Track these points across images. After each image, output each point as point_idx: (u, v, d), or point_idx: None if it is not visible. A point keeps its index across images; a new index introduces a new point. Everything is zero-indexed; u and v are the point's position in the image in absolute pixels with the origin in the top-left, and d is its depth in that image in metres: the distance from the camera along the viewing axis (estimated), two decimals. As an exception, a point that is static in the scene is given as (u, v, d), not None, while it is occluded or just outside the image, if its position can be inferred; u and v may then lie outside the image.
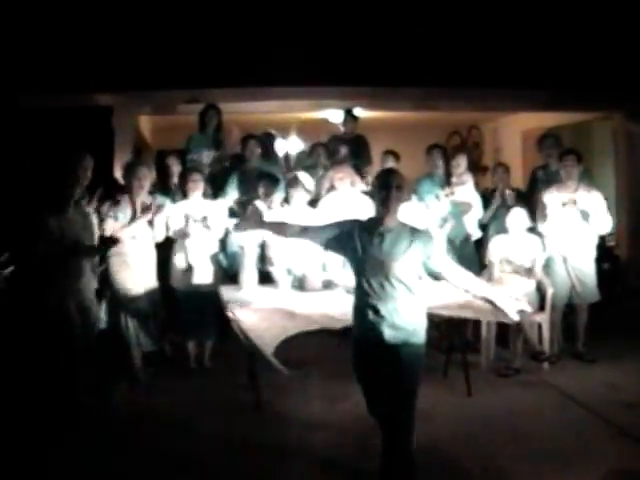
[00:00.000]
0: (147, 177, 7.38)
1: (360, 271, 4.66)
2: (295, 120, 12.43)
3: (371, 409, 4.77)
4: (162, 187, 8.34)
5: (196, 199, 7.70)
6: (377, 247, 4.57)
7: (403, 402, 4.59)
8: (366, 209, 8.05)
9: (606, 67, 9.66)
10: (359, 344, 4.70)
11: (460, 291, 5.06)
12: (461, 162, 8.65)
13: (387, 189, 4.58)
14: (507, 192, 8.50)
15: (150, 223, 7.31)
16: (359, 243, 4.62)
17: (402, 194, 4.64)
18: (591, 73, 9.70)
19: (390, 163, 9.26)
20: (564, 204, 7.81)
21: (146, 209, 7.23)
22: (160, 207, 7.34)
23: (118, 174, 8.60)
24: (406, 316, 4.57)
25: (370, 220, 4.76)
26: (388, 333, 4.55)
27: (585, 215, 7.74)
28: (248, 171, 8.65)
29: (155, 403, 6.68)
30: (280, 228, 5.34)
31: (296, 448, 5.61)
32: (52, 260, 6.37)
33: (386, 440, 4.67)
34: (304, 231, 5.08)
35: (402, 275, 4.55)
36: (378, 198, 4.65)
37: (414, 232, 4.65)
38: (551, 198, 7.90)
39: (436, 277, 4.77)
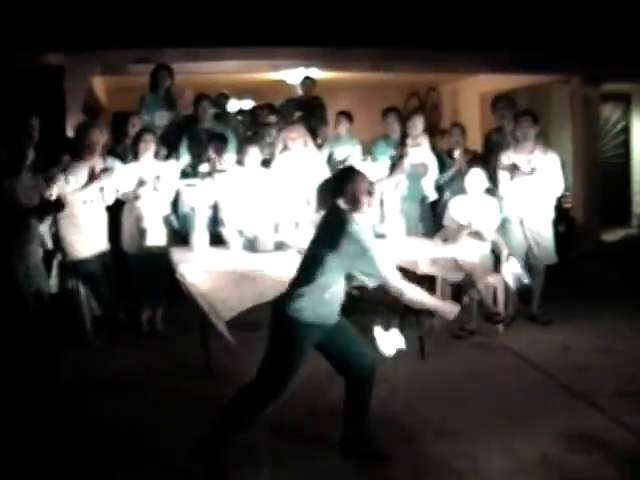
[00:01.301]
0: (99, 140, 7.24)
1: None
2: (251, 81, 12.31)
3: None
4: (115, 149, 8.22)
5: (147, 160, 7.56)
6: None
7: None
8: (318, 168, 7.99)
9: (566, 30, 9.64)
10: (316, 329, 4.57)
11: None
12: (418, 123, 8.56)
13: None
14: (457, 152, 8.46)
15: (100, 187, 7.20)
16: None
17: None
18: (551, 36, 9.69)
19: (344, 124, 9.22)
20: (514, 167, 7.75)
21: (96, 175, 7.08)
22: (110, 170, 7.20)
23: (70, 135, 8.45)
24: None
25: None
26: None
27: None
28: (200, 132, 8.54)
29: (106, 368, 6.62)
30: None
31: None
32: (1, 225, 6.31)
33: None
34: None
35: None
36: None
37: None
38: (507, 159, 7.85)
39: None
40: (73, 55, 9.30)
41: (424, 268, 6.57)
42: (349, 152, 8.85)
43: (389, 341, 4.69)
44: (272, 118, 9.32)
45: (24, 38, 8.72)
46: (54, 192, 6.76)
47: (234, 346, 5.85)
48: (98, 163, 7.18)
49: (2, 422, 5.40)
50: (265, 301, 5.58)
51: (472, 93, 13.90)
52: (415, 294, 4.52)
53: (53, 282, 7.11)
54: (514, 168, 7.68)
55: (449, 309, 4.73)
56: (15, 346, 6.32)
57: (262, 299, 5.73)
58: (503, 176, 7.81)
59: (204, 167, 7.95)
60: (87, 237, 7.11)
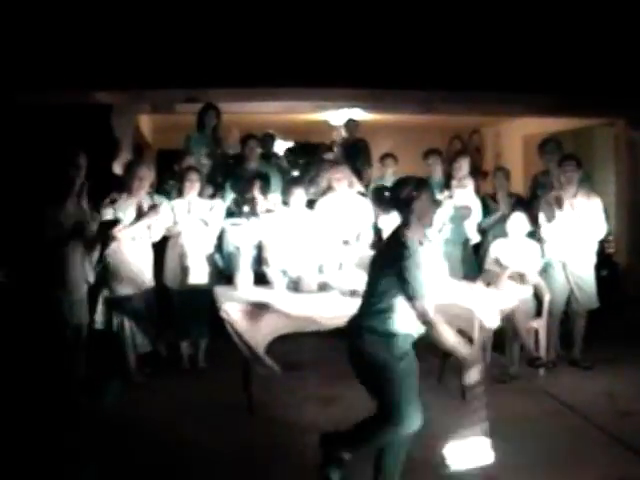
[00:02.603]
0: (148, 177, 7.39)
1: None
2: (296, 121, 12.42)
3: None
4: (163, 186, 8.34)
5: (192, 198, 7.66)
6: None
7: None
8: (363, 210, 8.04)
9: (610, 74, 9.62)
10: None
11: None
12: (463, 165, 8.62)
13: None
14: (500, 196, 8.48)
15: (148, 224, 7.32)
16: None
17: None
18: (595, 79, 9.67)
19: (390, 166, 9.28)
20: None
21: (144, 213, 7.20)
22: (158, 206, 7.32)
23: (116, 172, 8.58)
24: None
25: None
26: None
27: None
28: (246, 171, 8.64)
29: (149, 404, 6.66)
30: None
31: (288, 450, 5.57)
32: (47, 254, 6.43)
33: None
34: None
35: None
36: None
37: None
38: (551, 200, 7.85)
39: None
40: (121, 93, 9.44)
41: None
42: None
43: (466, 452, 4.58)
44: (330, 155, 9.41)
45: (74, 76, 8.86)
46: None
47: (275, 384, 5.89)
48: (145, 200, 7.30)
49: (41, 455, 5.45)
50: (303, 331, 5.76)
51: (515, 136, 13.89)
52: (443, 331, 4.37)
53: (99, 318, 7.20)
54: (557, 201, 7.69)
55: (470, 356, 4.57)
56: (55, 375, 6.42)
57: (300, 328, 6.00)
58: (544, 218, 7.82)
59: (247, 207, 8.03)
60: (134, 274, 7.22)
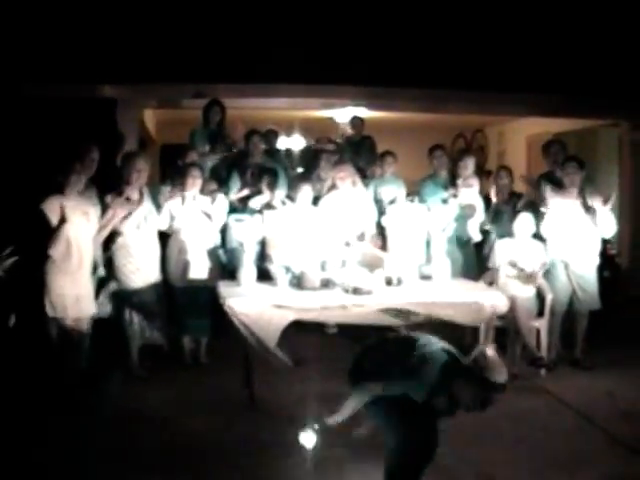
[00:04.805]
0: (146, 169, 7.36)
1: None
2: (300, 118, 12.43)
3: None
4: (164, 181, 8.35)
5: (194, 194, 7.66)
6: None
7: None
8: (366, 208, 8.05)
9: (614, 75, 9.63)
10: None
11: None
12: (469, 164, 8.61)
13: None
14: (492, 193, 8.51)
15: (158, 209, 7.46)
16: None
17: None
18: (600, 80, 9.68)
19: (389, 164, 9.26)
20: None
21: (113, 204, 7.15)
22: (136, 202, 7.24)
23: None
24: None
25: None
26: None
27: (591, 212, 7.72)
28: (250, 166, 8.66)
29: (150, 398, 6.67)
30: None
31: (289, 447, 5.57)
32: (53, 247, 6.46)
33: None
34: None
35: None
36: None
37: None
38: (554, 204, 7.85)
39: None
40: (127, 88, 9.44)
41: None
42: (394, 192, 8.89)
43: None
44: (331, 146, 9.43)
45: (80, 70, 8.87)
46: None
47: (276, 380, 5.90)
48: (134, 193, 7.29)
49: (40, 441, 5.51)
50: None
51: (519, 135, 13.92)
52: None
53: (102, 307, 7.15)
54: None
55: None
56: (54, 369, 6.47)
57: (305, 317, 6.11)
58: (549, 191, 7.84)
59: (254, 202, 8.05)
60: (141, 266, 7.24)
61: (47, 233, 6.52)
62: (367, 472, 4.92)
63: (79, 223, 6.67)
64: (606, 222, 7.78)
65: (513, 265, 7.59)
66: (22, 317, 6.31)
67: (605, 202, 7.69)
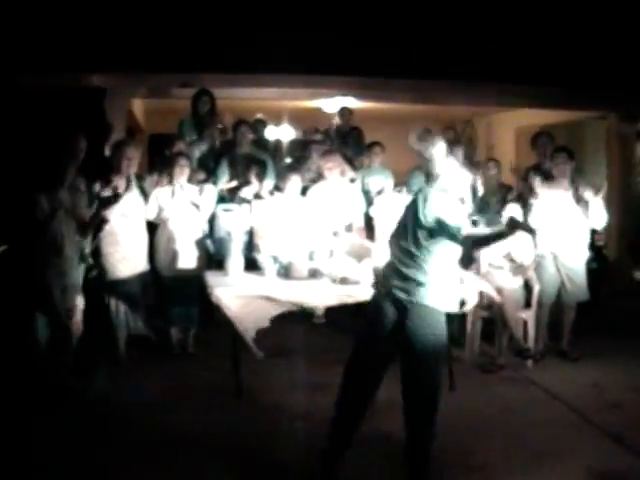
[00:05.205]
0: (136, 157, 7.35)
1: None
2: (289, 108, 12.43)
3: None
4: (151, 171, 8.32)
5: (181, 184, 7.63)
6: None
7: None
8: (354, 198, 8.05)
9: (603, 67, 9.63)
10: None
11: None
12: (457, 155, 8.60)
13: None
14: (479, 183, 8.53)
15: (145, 198, 7.39)
16: None
17: None
18: (588, 72, 9.67)
19: (377, 155, 9.28)
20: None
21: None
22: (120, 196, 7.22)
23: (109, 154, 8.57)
24: None
25: None
26: None
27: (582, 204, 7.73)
28: (238, 156, 8.62)
29: (138, 388, 6.64)
30: None
31: (277, 436, 5.59)
32: (40, 238, 6.42)
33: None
34: None
35: None
36: None
37: None
38: (543, 196, 7.86)
39: None
40: (116, 77, 9.40)
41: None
42: (382, 183, 8.90)
43: None
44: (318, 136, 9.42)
45: (68, 58, 8.82)
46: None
47: (263, 370, 5.91)
48: (121, 183, 7.26)
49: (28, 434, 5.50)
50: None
51: (507, 127, 13.92)
52: None
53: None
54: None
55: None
56: (44, 361, 6.44)
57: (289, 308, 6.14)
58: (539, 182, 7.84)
59: (244, 192, 8.03)
60: (128, 255, 7.21)
61: (33, 225, 6.48)
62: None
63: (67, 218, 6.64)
64: (597, 213, 7.79)
65: (509, 258, 7.59)
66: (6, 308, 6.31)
67: (597, 193, 7.71)
